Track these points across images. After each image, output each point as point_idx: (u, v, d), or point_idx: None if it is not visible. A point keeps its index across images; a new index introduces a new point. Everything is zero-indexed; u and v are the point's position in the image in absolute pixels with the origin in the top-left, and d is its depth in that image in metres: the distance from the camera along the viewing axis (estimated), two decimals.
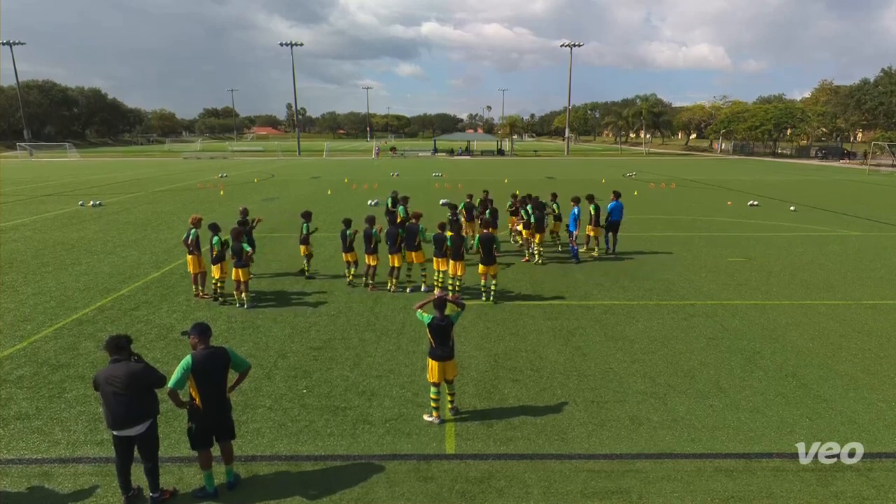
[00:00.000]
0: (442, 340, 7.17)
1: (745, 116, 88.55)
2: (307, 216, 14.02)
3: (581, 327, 10.74)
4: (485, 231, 12.31)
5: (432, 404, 7.35)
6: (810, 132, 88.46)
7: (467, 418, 7.43)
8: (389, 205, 17.76)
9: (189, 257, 12.16)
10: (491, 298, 12.22)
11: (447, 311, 7.25)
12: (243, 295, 11.77)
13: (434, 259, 12.54)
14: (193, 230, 12.21)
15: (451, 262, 12.16)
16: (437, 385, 7.29)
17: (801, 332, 10.51)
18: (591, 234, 16.33)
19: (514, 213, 17.64)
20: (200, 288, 12.48)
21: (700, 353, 9.51)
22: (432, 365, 7.21)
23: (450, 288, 12.37)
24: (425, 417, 7.36)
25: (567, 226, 16.43)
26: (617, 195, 16.86)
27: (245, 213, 14.08)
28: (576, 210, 15.79)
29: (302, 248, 13.97)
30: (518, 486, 6.04)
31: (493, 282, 12.24)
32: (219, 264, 11.96)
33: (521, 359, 9.31)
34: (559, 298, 12.56)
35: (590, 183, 40.55)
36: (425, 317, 7.28)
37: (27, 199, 30.11)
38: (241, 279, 11.62)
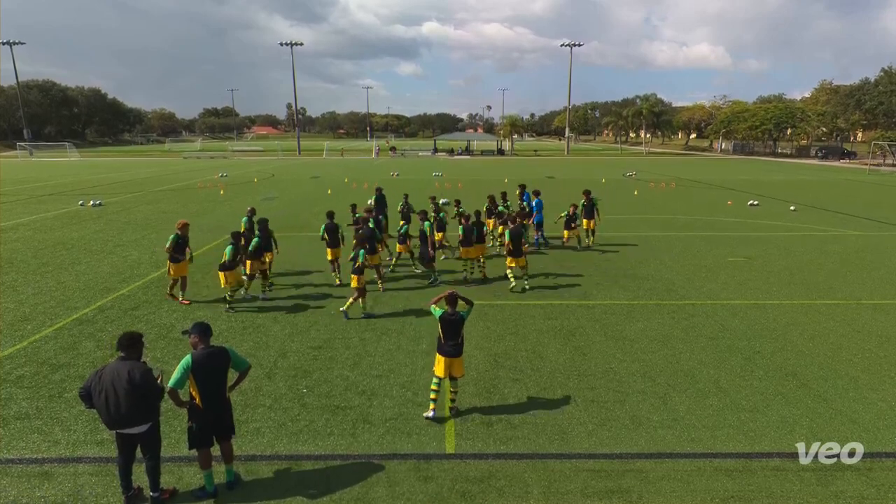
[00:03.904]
0: (451, 335, 7.24)
1: (746, 116, 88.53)
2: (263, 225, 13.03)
3: (581, 327, 10.74)
4: (513, 225, 13.11)
5: (431, 395, 7.38)
6: (810, 132, 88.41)
7: (467, 418, 7.43)
8: (371, 203, 18.01)
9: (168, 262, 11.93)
10: (526, 286, 13.14)
11: (458, 308, 7.38)
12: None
13: (461, 248, 13.88)
14: (173, 235, 11.79)
15: (475, 246, 13.63)
16: (440, 379, 7.32)
17: (801, 331, 10.51)
18: (586, 226, 17.66)
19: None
20: (169, 292, 12.22)
21: (700, 353, 9.51)
22: (439, 359, 7.29)
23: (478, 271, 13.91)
24: (425, 416, 7.36)
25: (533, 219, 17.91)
26: (536, 193, 18.20)
27: (252, 212, 14.07)
28: (536, 201, 17.72)
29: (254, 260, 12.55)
30: (518, 485, 6.04)
31: (525, 274, 13.30)
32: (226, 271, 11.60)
33: (522, 358, 9.31)
34: (559, 298, 12.57)
35: (590, 182, 40.53)
36: (437, 311, 7.37)
37: (27, 199, 30.11)
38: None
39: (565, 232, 16.98)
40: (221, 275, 11.55)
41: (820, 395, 8.02)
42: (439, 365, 7.30)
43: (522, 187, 19.43)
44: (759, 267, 15.38)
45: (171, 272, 11.98)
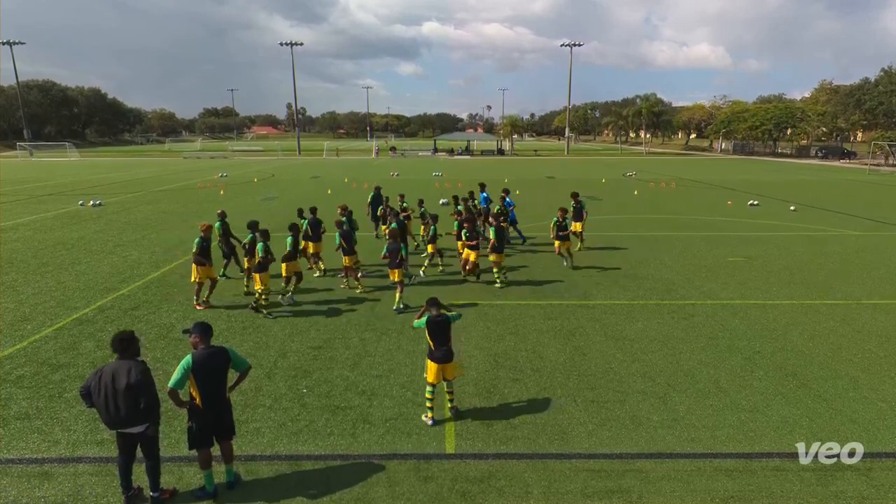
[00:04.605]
0: (441, 340, 7.17)
1: (745, 116, 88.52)
2: (259, 230, 12.11)
3: (581, 327, 10.74)
4: (496, 223, 13.75)
5: (427, 404, 7.34)
6: (810, 132, 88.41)
7: (467, 418, 7.43)
8: (369, 200, 18.46)
9: (193, 266, 11.58)
10: (506, 277, 13.75)
11: (441, 310, 7.34)
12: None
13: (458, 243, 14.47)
14: (198, 239, 11.59)
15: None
16: (433, 386, 7.29)
17: (801, 331, 10.51)
18: (574, 229, 17.09)
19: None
20: (204, 298, 11.86)
21: (700, 353, 9.50)
22: (431, 366, 7.22)
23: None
24: (423, 418, 7.35)
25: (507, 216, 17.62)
26: (506, 192, 18.22)
27: (223, 215, 13.86)
28: (507, 201, 17.61)
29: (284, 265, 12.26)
30: (518, 485, 6.04)
31: (501, 267, 13.66)
32: (263, 273, 11.21)
33: (521, 358, 9.31)
34: (559, 298, 12.57)
35: (590, 182, 40.55)
36: (422, 321, 7.30)
37: (27, 199, 30.11)
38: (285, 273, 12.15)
39: (556, 242, 15.14)
40: (256, 276, 11.22)
41: (820, 395, 8.02)
42: (431, 372, 7.22)
43: (482, 186, 19.34)
44: (759, 267, 15.38)
45: (197, 276, 11.52)
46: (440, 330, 7.19)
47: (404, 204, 16.90)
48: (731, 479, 6.13)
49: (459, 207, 16.70)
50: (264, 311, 11.32)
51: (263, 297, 11.36)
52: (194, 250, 11.49)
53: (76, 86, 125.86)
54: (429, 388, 7.32)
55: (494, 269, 13.55)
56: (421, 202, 17.07)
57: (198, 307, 11.72)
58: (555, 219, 15.11)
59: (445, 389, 7.51)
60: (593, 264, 15.67)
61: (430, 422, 7.25)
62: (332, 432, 7.07)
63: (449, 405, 7.51)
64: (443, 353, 7.18)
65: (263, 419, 7.38)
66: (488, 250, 13.62)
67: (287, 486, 6.03)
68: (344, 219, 13.54)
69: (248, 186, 37.38)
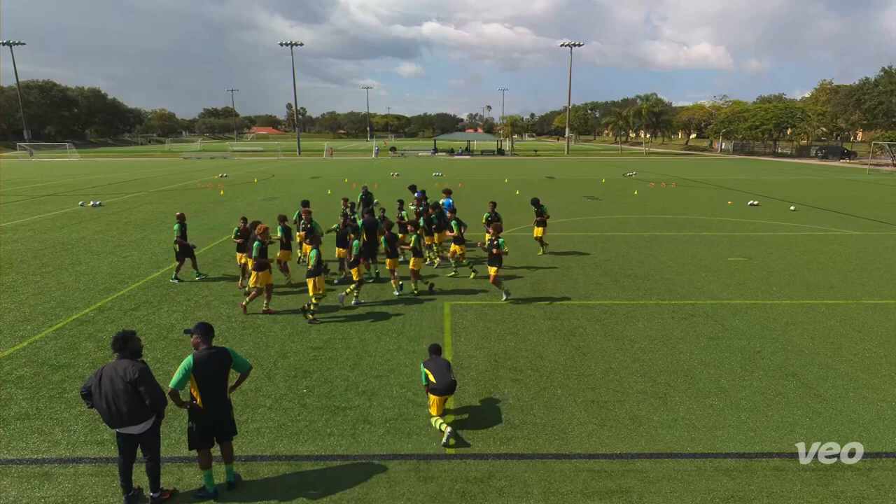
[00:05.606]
0: (443, 373, 7.07)
1: (746, 116, 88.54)
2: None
3: (581, 327, 10.74)
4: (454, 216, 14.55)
5: (443, 429, 6.88)
6: (810, 132, 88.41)
7: (467, 418, 7.43)
8: (358, 202, 18.39)
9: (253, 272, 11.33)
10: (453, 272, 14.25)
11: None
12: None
13: (436, 235, 15.26)
14: (257, 243, 11.25)
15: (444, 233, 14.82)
16: (440, 416, 7.10)
17: (802, 331, 10.51)
18: (538, 234, 16.81)
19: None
20: (264, 308, 11.51)
21: (700, 353, 9.50)
22: (434, 399, 7.07)
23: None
24: (444, 442, 6.87)
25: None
26: (447, 192, 18.44)
27: (182, 217, 13.87)
28: (446, 202, 17.27)
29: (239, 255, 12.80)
30: (518, 485, 6.04)
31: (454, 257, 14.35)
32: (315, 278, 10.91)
33: (522, 358, 9.31)
34: (559, 298, 12.56)
35: (590, 182, 40.56)
36: (423, 372, 7.20)
37: (27, 200, 30.11)
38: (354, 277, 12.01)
39: (491, 269, 12.07)
40: (310, 281, 10.91)
41: (820, 395, 8.02)
42: (434, 405, 7.06)
43: (414, 188, 18.99)
44: (759, 267, 15.38)
45: (258, 281, 11.23)
46: (442, 367, 7.14)
47: (346, 210, 15.80)
48: (731, 479, 6.13)
49: (403, 213, 16.38)
50: (311, 317, 10.99)
51: (314, 302, 11.03)
52: (254, 254, 11.22)
53: (76, 86, 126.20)
54: (434, 418, 7.08)
55: (451, 259, 14.61)
56: (380, 206, 16.76)
57: (269, 313, 11.41)
58: (488, 240, 12.14)
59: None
60: (593, 264, 15.67)
61: (448, 429, 6.82)
62: (332, 432, 7.08)
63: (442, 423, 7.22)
64: (445, 386, 7.01)
65: (264, 419, 7.38)
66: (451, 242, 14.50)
67: (287, 487, 6.03)
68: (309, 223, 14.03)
69: (249, 186, 37.38)
